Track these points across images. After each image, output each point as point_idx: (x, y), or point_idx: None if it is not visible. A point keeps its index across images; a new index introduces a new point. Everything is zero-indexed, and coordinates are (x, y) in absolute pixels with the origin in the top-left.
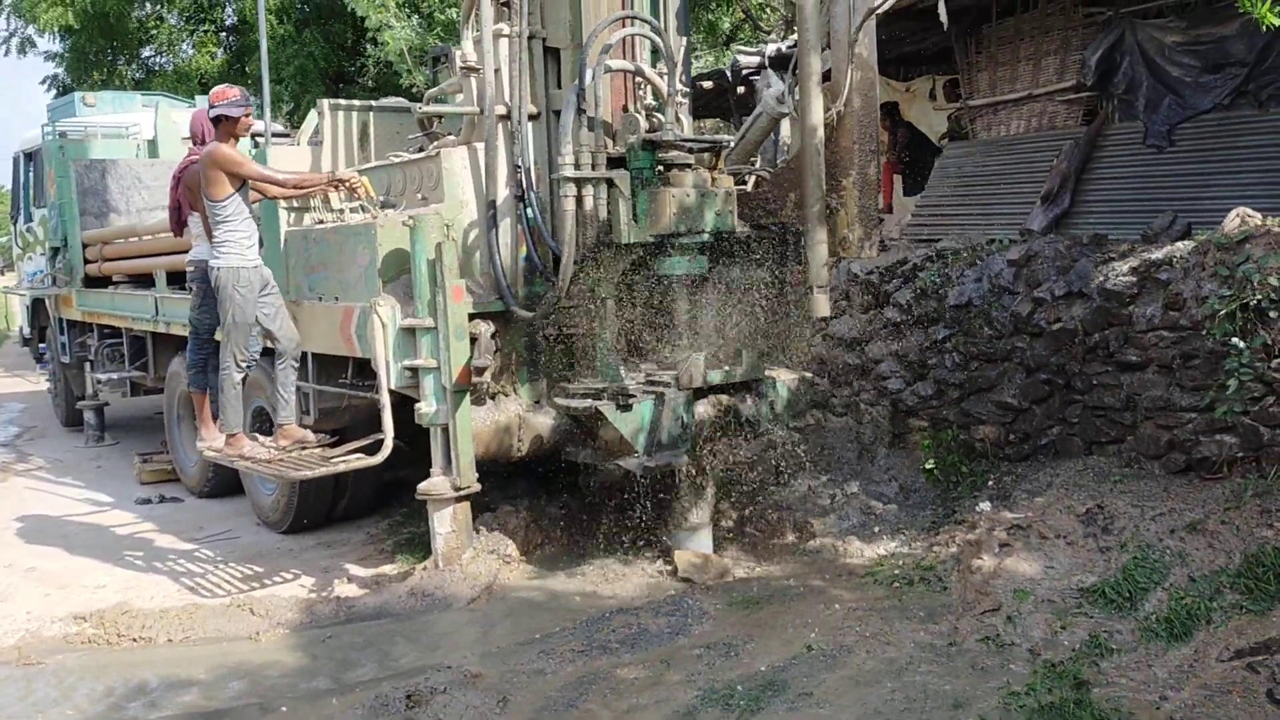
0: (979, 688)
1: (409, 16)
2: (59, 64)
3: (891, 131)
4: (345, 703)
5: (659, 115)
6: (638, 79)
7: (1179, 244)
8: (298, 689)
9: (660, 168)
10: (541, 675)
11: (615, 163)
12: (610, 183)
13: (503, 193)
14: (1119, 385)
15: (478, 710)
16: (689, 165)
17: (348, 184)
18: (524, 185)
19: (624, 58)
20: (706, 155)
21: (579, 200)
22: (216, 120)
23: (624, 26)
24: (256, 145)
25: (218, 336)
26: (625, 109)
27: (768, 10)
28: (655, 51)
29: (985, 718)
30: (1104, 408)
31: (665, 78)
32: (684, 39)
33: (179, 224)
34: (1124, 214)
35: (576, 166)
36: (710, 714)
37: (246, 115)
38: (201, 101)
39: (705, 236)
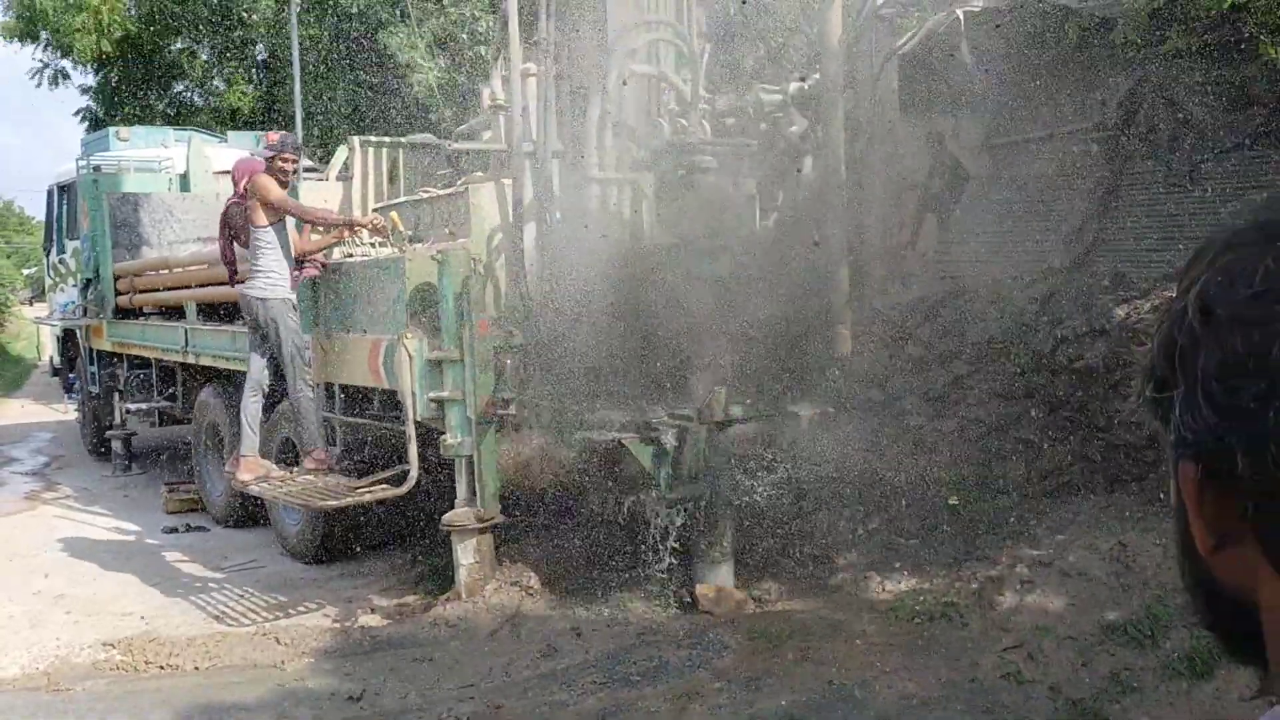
0: None
1: (436, 55)
2: (92, 97)
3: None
4: None
5: (682, 120)
6: (662, 84)
7: None
8: (322, 718)
9: (684, 171)
10: (563, 707)
11: (639, 166)
12: (634, 185)
13: (529, 228)
14: (1141, 423)
15: None
16: (712, 169)
17: (367, 226)
18: (550, 220)
19: (649, 62)
20: (729, 158)
21: (603, 201)
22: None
23: (648, 30)
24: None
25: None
26: (649, 113)
27: (790, 48)
28: (679, 56)
29: None
30: (1126, 445)
31: (688, 83)
32: (706, 45)
33: (228, 262)
34: (1146, 252)
35: (601, 168)
36: None
37: (283, 159)
38: (234, 138)
39: (727, 238)
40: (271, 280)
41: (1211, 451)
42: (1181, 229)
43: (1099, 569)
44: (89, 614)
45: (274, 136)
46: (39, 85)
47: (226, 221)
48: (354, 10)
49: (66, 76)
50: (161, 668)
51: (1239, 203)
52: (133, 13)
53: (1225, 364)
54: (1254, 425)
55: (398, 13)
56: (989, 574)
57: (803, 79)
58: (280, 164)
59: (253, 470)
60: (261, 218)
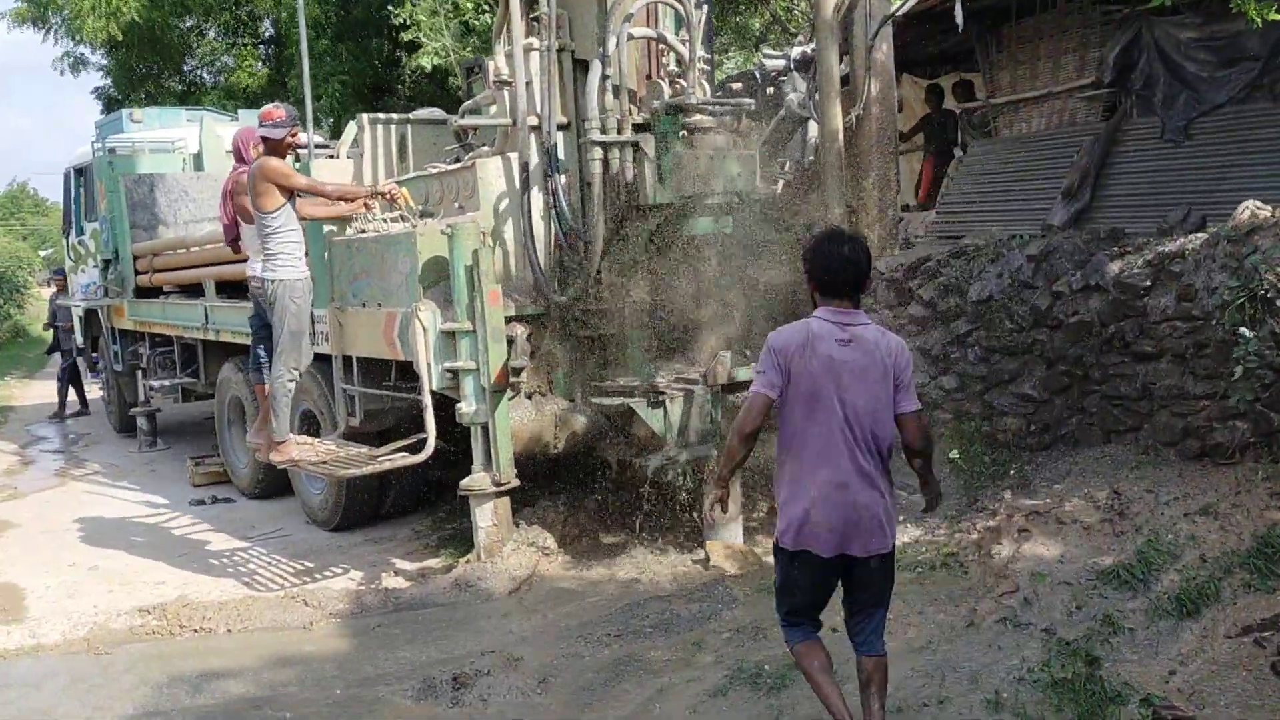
0: (995, 665)
1: (447, 25)
2: (106, 76)
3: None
4: (395, 685)
5: (682, 81)
6: (661, 46)
7: (1192, 237)
8: (349, 674)
9: (684, 131)
10: (579, 658)
11: (641, 128)
12: (636, 146)
13: (536, 200)
14: (1135, 375)
15: (520, 690)
16: (711, 128)
17: (388, 195)
18: (555, 192)
19: (647, 25)
20: (729, 118)
21: (606, 164)
22: (265, 138)
23: None
24: (298, 158)
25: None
26: (649, 76)
27: (795, 13)
28: (677, 19)
29: (1000, 691)
30: (1121, 397)
31: (687, 44)
32: (704, 7)
33: (234, 240)
34: (1142, 208)
35: (603, 131)
36: (739, 692)
37: (292, 135)
38: (245, 116)
39: (729, 196)
40: (280, 262)
41: None
42: (1176, 184)
43: (1093, 517)
44: (123, 583)
45: (279, 112)
46: (61, 74)
47: (232, 197)
48: None
49: (85, 63)
50: (195, 631)
51: (1232, 157)
52: None
53: None
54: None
55: None
56: (988, 524)
57: (806, 44)
58: (290, 139)
59: (288, 451)
60: (275, 200)
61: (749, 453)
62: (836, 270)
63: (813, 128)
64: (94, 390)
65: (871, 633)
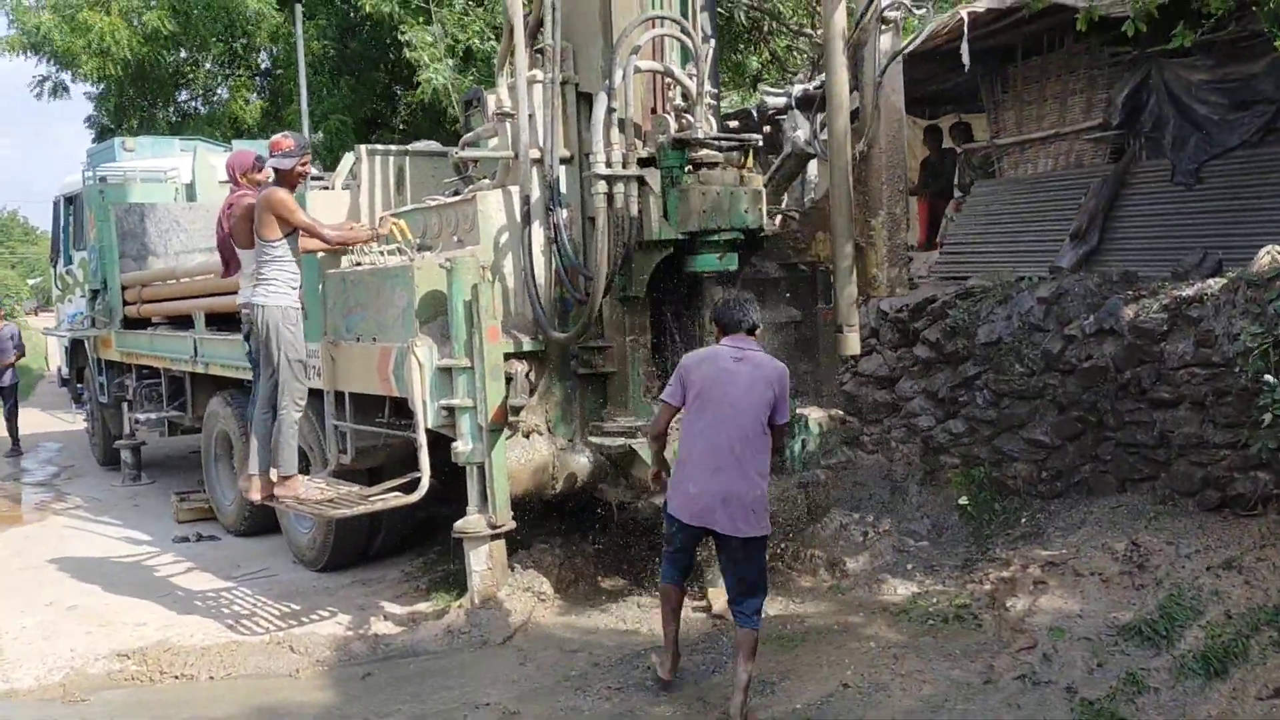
0: None
1: (450, 54)
2: (97, 107)
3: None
4: None
5: (688, 115)
6: (667, 80)
7: (1210, 281)
8: None
9: (690, 166)
10: (578, 713)
11: (646, 162)
12: (641, 181)
13: (537, 234)
14: (1151, 422)
15: None
16: (718, 163)
17: (389, 234)
18: (557, 227)
19: (653, 58)
20: (735, 154)
21: (610, 199)
22: (275, 169)
23: (653, 27)
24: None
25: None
26: (655, 110)
27: (794, 52)
28: (684, 53)
29: None
30: (1137, 445)
31: (694, 79)
32: (711, 41)
33: (227, 264)
34: (1153, 251)
35: (608, 164)
36: None
37: (302, 164)
38: (239, 145)
39: (735, 233)
40: (272, 288)
41: None
42: (1187, 228)
43: (1112, 569)
44: (102, 624)
45: (287, 142)
46: (40, 97)
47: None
48: (365, 10)
49: (66, 89)
50: (176, 678)
51: (1246, 201)
52: (136, 25)
53: None
54: None
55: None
56: (1001, 575)
57: (807, 82)
58: (300, 169)
59: (294, 486)
60: (277, 230)
61: (661, 447)
62: (735, 313)
63: (812, 166)
64: (79, 422)
65: (749, 611)
